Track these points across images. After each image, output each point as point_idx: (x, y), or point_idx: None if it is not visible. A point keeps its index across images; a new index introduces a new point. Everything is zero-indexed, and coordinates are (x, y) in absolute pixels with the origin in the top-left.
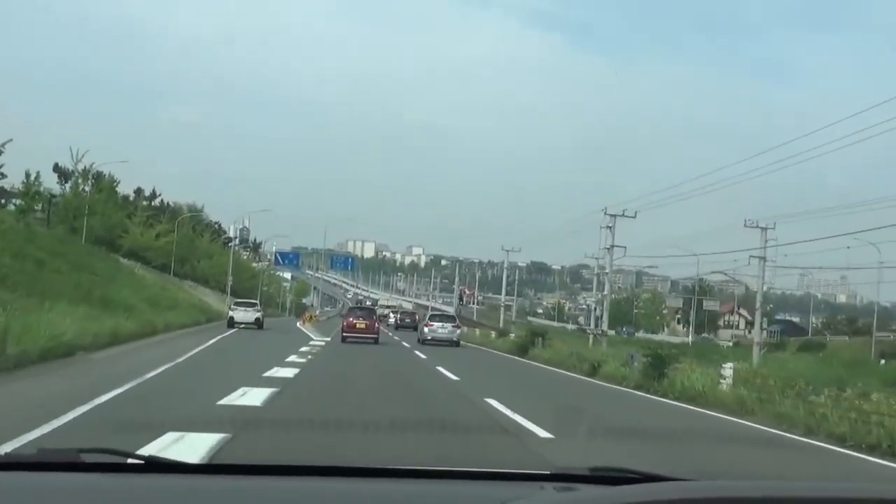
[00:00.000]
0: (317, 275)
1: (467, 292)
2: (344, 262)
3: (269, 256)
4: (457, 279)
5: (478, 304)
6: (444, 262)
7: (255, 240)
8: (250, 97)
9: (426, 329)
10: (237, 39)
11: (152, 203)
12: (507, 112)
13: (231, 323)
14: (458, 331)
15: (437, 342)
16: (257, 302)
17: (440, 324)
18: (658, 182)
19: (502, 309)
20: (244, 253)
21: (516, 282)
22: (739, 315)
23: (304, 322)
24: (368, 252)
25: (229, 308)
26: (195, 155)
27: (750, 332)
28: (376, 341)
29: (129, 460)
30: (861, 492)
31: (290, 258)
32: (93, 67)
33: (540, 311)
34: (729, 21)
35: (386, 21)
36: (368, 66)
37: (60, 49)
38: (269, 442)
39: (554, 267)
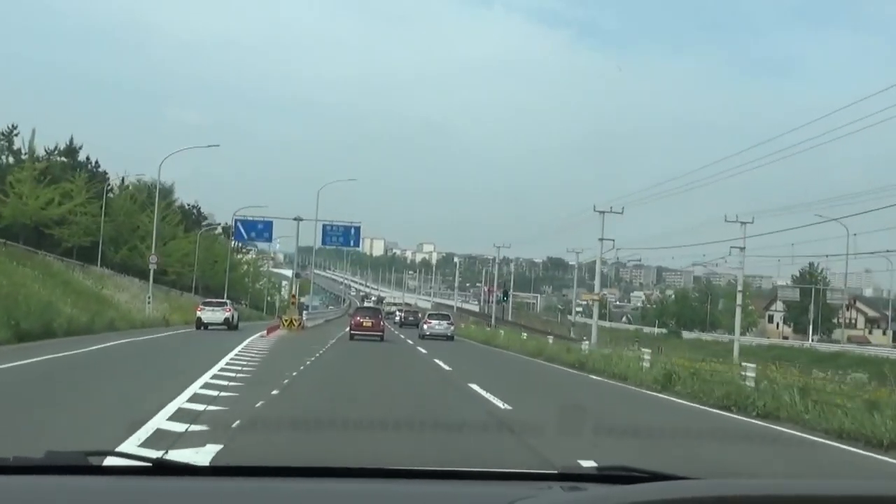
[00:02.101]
0: (316, 271)
1: (487, 289)
2: (344, 234)
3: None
4: (494, 276)
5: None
6: (456, 259)
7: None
8: (254, 98)
9: (425, 326)
10: (240, 41)
11: (72, 160)
12: (512, 109)
13: (199, 324)
14: (452, 327)
15: (435, 336)
16: (227, 301)
17: (437, 321)
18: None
19: (574, 310)
20: (226, 241)
21: (587, 279)
22: (857, 310)
23: (268, 332)
24: (377, 250)
25: (198, 309)
26: (197, 155)
27: (871, 331)
28: (381, 338)
29: (137, 463)
30: (867, 489)
31: (259, 229)
32: (93, 69)
33: (579, 309)
34: None
35: (390, 22)
36: (370, 66)
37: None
38: None
39: (571, 263)
